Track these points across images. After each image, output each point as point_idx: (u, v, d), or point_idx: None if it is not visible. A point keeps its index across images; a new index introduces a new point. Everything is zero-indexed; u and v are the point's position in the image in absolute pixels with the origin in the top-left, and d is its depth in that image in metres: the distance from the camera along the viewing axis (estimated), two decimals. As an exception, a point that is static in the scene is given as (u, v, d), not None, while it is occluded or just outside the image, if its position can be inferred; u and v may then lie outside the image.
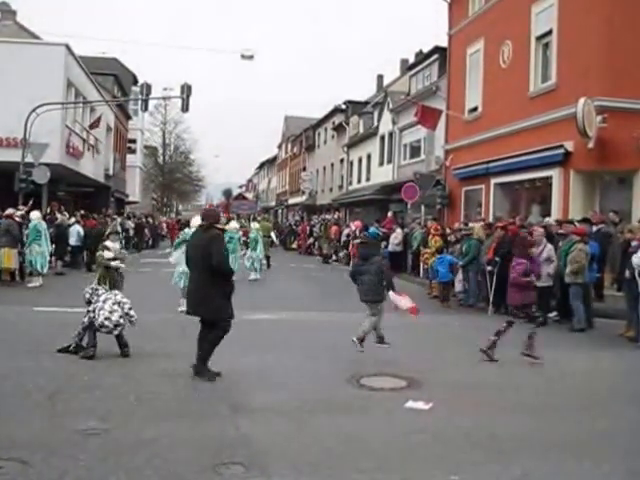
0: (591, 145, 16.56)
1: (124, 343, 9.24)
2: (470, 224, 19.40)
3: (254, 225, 23.79)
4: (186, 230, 15.62)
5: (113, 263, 11.42)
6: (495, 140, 21.52)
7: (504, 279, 14.97)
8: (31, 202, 20.72)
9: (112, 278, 11.22)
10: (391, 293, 10.42)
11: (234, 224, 21.77)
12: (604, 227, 15.00)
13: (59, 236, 20.81)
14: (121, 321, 9.03)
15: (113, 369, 8.40)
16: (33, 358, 8.79)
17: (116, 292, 9.66)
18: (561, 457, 5.77)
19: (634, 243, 11.99)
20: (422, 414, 6.95)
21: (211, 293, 8.02)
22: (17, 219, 17.96)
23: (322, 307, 15.49)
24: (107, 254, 11.43)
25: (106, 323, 8.98)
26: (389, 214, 29.42)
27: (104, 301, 9.18)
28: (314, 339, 11.31)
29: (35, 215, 18.53)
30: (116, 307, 9.10)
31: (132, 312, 9.23)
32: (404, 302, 10.44)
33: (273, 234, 32.84)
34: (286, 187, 70.24)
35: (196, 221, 15.43)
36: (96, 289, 9.65)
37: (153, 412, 6.67)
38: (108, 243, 11.83)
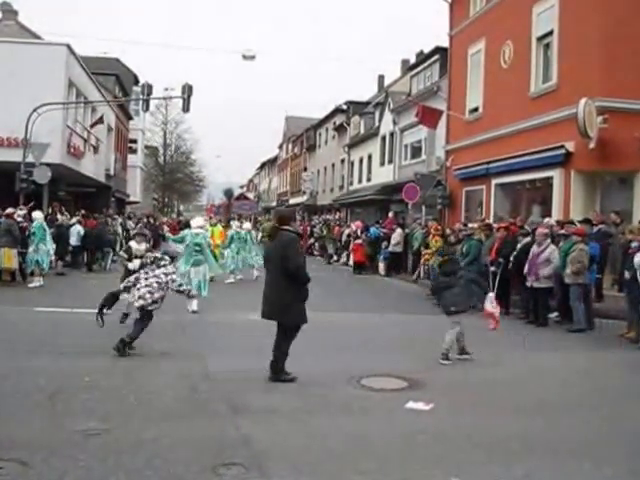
0: (592, 145, 16.55)
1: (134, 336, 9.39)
2: (470, 224, 19.42)
3: (245, 225, 23.12)
4: (186, 231, 15.66)
5: (130, 265, 11.51)
6: (496, 140, 21.50)
7: (506, 280, 15.00)
8: (32, 204, 20.71)
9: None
10: (490, 295, 10.90)
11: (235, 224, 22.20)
12: (604, 227, 14.99)
13: (60, 236, 20.79)
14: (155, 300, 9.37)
15: (113, 370, 8.39)
16: (33, 358, 8.79)
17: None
18: (562, 458, 5.76)
19: (634, 244, 11.98)
20: (423, 415, 6.95)
21: (290, 298, 8.01)
22: (18, 219, 17.99)
23: (323, 307, 15.44)
24: (122, 254, 12.23)
25: (147, 296, 9.28)
26: (390, 214, 29.44)
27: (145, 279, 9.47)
28: (314, 339, 11.28)
29: (38, 215, 18.63)
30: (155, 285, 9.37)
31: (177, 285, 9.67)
32: (496, 311, 10.85)
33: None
34: (287, 187, 70.25)
35: (197, 222, 15.48)
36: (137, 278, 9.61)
37: (153, 412, 6.67)
38: (132, 244, 12.06)
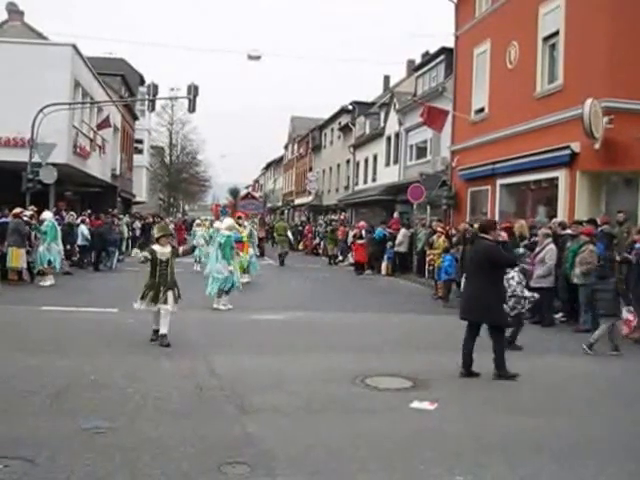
0: (597, 146, 16.52)
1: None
2: (475, 225, 19.41)
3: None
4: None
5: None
6: (501, 141, 21.49)
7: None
8: (36, 208, 20.74)
9: (160, 275, 10.18)
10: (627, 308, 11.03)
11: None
12: (607, 227, 14.97)
13: (66, 236, 20.86)
14: None
15: (119, 368, 8.42)
16: (40, 357, 8.83)
17: None
18: (566, 458, 5.77)
19: (638, 245, 11.98)
20: (428, 414, 6.97)
21: (493, 300, 8.60)
22: (25, 218, 18.10)
23: (327, 307, 15.51)
24: (136, 254, 11.77)
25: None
26: (395, 214, 29.42)
27: None
28: (319, 339, 11.33)
29: (48, 215, 18.79)
30: None
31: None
32: (634, 320, 11.00)
33: (290, 233, 32.79)
34: (292, 187, 70.23)
35: (226, 223, 15.45)
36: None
37: (159, 411, 6.70)
38: (156, 247, 10.30)
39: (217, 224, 26.00)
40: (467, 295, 9.06)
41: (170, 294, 10.16)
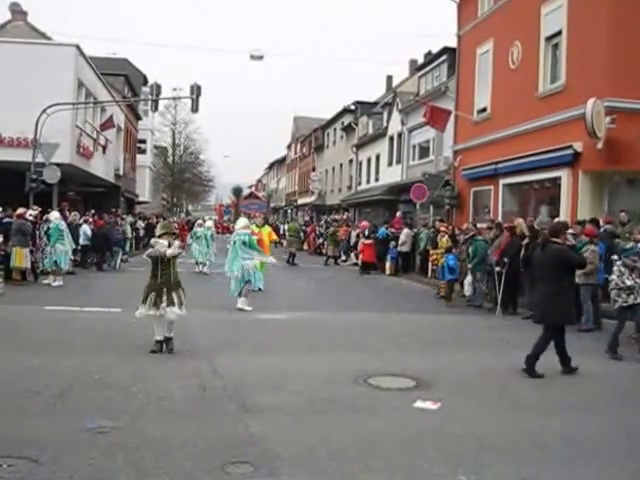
0: (600, 146, 16.52)
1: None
2: (479, 225, 19.43)
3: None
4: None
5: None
6: (504, 141, 21.49)
7: (513, 280, 15.02)
8: (39, 209, 20.79)
9: (162, 275, 9.56)
10: None
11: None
12: (609, 227, 14.97)
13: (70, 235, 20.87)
14: None
15: (122, 368, 8.45)
16: (43, 357, 8.86)
17: None
18: (570, 458, 5.78)
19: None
20: (431, 414, 6.98)
21: (565, 302, 9.09)
22: (30, 218, 18.19)
23: (331, 307, 15.54)
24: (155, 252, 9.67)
25: None
26: (398, 214, 29.44)
27: None
28: (322, 339, 11.35)
29: (55, 215, 18.93)
30: None
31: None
32: None
33: (301, 234, 32.74)
34: (295, 187, 70.29)
35: (241, 222, 15.47)
36: None
37: (162, 411, 6.72)
38: (159, 245, 9.61)
39: (209, 223, 26.13)
40: (541, 298, 9.35)
41: (174, 296, 9.47)
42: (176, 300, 9.46)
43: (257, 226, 18.33)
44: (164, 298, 9.38)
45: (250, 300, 14.37)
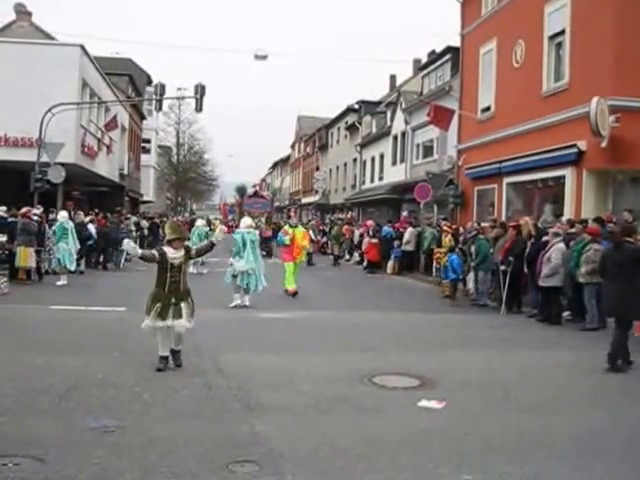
0: (604, 144, 16.49)
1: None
2: (483, 224, 19.42)
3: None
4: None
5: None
6: (508, 140, 21.46)
7: (517, 279, 15.00)
8: (42, 208, 20.80)
9: (170, 283, 8.51)
10: None
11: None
12: (612, 226, 14.93)
13: (81, 234, 20.84)
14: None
15: (126, 367, 8.46)
16: (48, 356, 8.87)
17: None
18: (575, 457, 5.77)
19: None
20: (435, 413, 6.98)
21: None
22: (35, 218, 18.25)
23: (335, 307, 15.54)
24: (152, 254, 8.65)
25: None
26: (404, 213, 29.39)
27: None
28: (327, 338, 11.36)
29: (62, 215, 19.04)
30: None
31: None
32: None
33: (312, 233, 32.57)
34: (299, 186, 70.32)
35: (246, 222, 15.52)
36: None
37: (167, 410, 6.73)
38: (168, 251, 8.53)
39: (199, 222, 26.09)
40: (616, 295, 9.57)
41: (184, 306, 8.55)
42: (185, 311, 8.52)
43: (290, 226, 17.86)
44: (171, 310, 8.43)
45: (253, 299, 14.50)
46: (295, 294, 16.86)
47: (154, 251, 8.76)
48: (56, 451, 5.38)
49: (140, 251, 8.87)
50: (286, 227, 17.96)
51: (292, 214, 19.12)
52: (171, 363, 8.61)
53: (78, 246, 19.19)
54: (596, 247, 13.00)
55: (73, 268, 18.76)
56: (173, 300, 8.44)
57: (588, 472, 5.45)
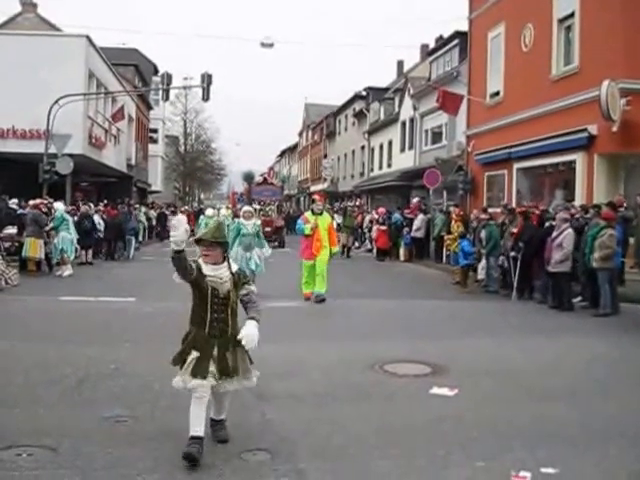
0: (615, 128, 16.37)
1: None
2: (490, 210, 19.33)
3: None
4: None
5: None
6: (517, 124, 21.34)
7: (528, 265, 14.93)
8: (47, 199, 20.82)
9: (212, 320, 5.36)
10: None
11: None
12: (624, 211, 14.84)
13: (85, 226, 20.84)
14: None
15: (138, 357, 8.45)
16: (59, 347, 8.89)
17: None
18: (587, 443, 5.73)
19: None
20: (447, 400, 6.95)
21: None
22: (44, 209, 18.30)
23: (346, 294, 15.50)
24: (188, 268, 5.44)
25: None
26: (415, 200, 29.26)
27: None
28: (337, 326, 11.34)
29: (59, 205, 19.01)
30: None
31: None
32: None
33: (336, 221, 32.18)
34: (307, 174, 70.28)
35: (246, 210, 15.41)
36: None
37: (178, 399, 6.70)
38: (205, 266, 5.38)
39: (209, 211, 25.99)
40: None
41: (231, 359, 5.43)
42: (241, 368, 5.49)
43: (313, 213, 14.59)
44: (215, 364, 5.35)
45: (260, 288, 14.49)
46: (322, 301, 13.84)
47: (192, 263, 5.33)
48: (69, 441, 5.38)
49: (184, 246, 5.13)
50: (307, 214, 14.98)
51: (317, 197, 15.90)
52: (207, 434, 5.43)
53: (77, 236, 19.16)
54: (611, 232, 12.91)
55: (72, 257, 18.83)
56: (217, 349, 5.39)
57: (600, 458, 5.40)
